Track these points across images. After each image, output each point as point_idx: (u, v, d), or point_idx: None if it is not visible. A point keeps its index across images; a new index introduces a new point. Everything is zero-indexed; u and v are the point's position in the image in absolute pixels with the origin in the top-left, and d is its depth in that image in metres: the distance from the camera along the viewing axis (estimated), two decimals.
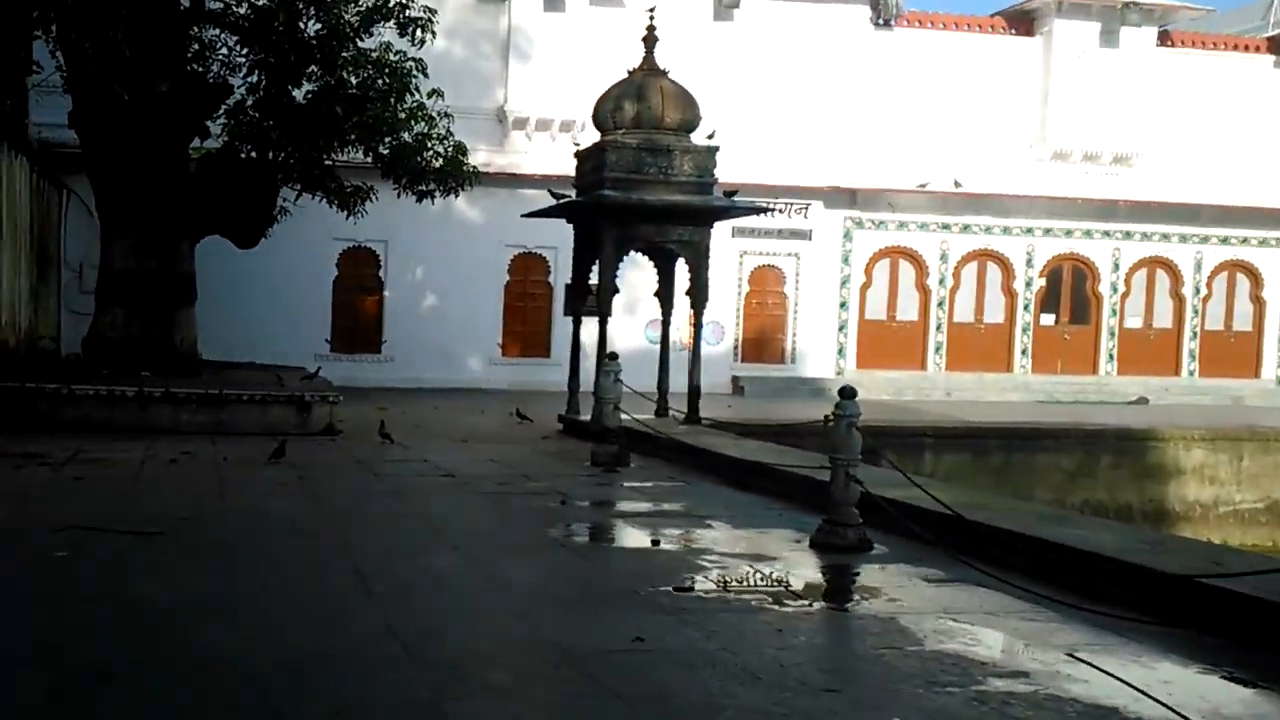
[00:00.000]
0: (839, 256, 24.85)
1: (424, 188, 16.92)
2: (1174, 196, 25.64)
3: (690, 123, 14.65)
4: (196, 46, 15.90)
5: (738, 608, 6.40)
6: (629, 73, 14.78)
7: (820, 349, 24.77)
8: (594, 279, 15.25)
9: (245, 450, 12.16)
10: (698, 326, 14.76)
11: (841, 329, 24.91)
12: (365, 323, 23.07)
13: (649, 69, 14.73)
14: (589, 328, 22.98)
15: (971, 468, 15.27)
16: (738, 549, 7.99)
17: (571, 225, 15.76)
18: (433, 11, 16.20)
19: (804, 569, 7.51)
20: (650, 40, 14.84)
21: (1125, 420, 19.60)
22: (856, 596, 6.89)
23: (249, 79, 15.98)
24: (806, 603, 6.78)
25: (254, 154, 16.32)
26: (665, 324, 15.53)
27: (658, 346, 21.86)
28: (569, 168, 22.19)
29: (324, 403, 14.17)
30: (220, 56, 16.17)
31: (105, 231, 16.01)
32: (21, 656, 5.05)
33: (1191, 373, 26.62)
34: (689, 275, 14.57)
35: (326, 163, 16.73)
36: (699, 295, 14.54)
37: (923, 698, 5.02)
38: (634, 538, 8.50)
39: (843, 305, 24.91)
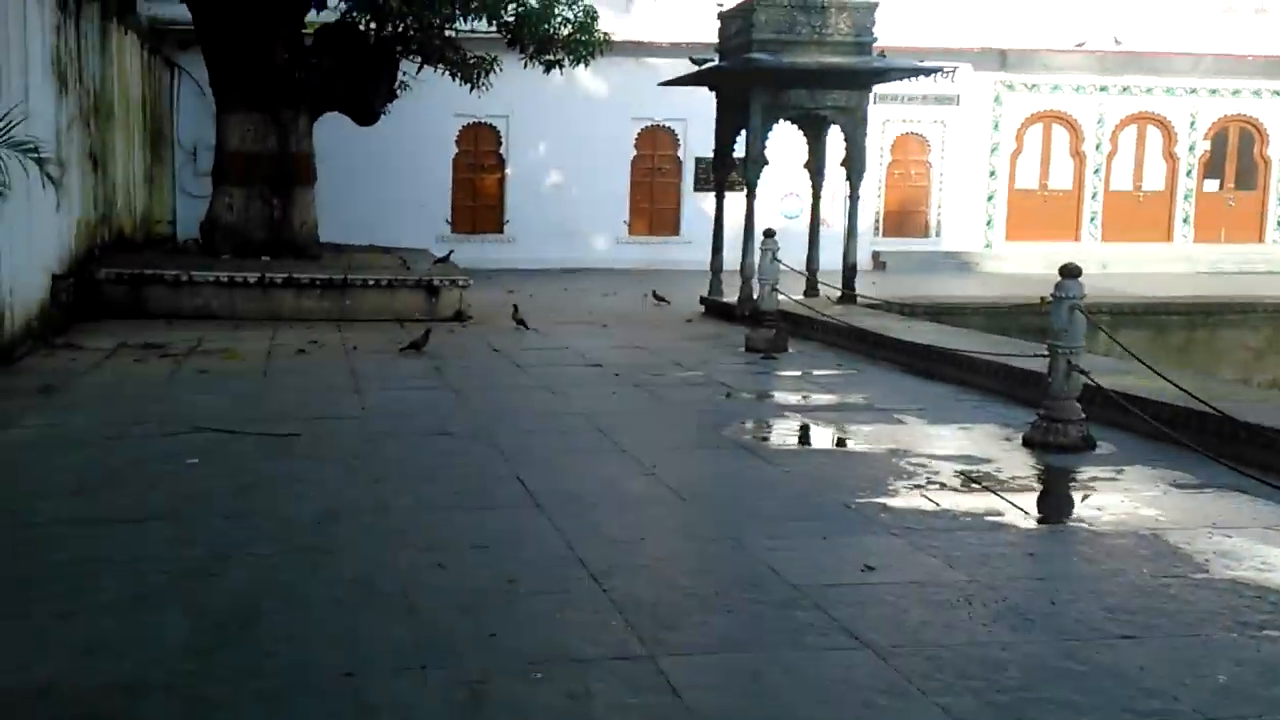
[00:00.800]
0: (988, 123, 23.05)
1: (551, 57, 15.79)
2: None
3: None
4: None
5: (970, 525, 5.41)
6: None
7: (966, 221, 23.18)
8: (737, 150, 14.13)
9: (373, 338, 11.44)
10: (854, 199, 13.54)
11: (990, 199, 23.25)
12: (486, 202, 22.12)
13: None
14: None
15: (1152, 346, 13.84)
16: (942, 449, 6.98)
17: (714, 93, 14.51)
18: None
19: (1028, 474, 6.46)
20: None
21: None
22: (1104, 507, 5.83)
23: None
24: (1047, 516, 5.77)
25: (373, 25, 15.34)
26: (816, 197, 14.37)
27: (794, 221, 20.98)
28: (700, 34, 20.97)
29: (453, 287, 13.36)
30: None
31: (220, 110, 15.26)
32: (156, 591, 4.28)
33: None
34: (844, 144, 13.31)
35: (447, 33, 15.69)
36: (855, 166, 13.30)
37: (1241, 645, 4.03)
38: (820, 437, 7.50)
39: (991, 174, 23.21)
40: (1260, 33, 23.23)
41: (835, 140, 13.69)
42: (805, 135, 14.21)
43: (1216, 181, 24.08)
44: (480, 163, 22.04)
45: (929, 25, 21.42)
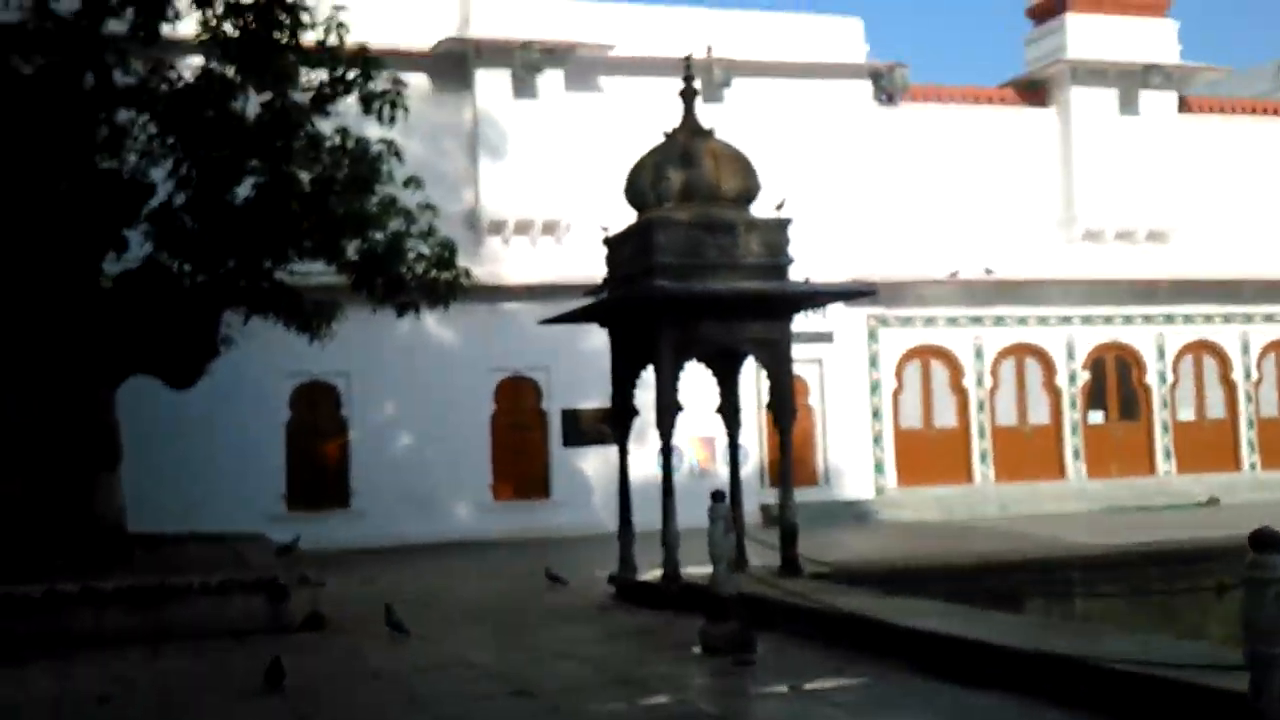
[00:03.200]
0: (865, 360, 21.74)
1: (405, 299, 13.57)
2: (1213, 273, 23.18)
3: (750, 191, 11.60)
4: (106, 132, 12.49)
5: None
6: (668, 135, 11.71)
7: (855, 466, 21.47)
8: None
9: (204, 669, 8.54)
10: (786, 446, 11.44)
11: (876, 441, 21.67)
12: (328, 473, 19.25)
13: (692, 130, 11.69)
14: (590, 459, 19.89)
15: (1132, 606, 11.96)
16: None
17: (608, 330, 12.45)
18: (402, 84, 13.12)
19: None
20: (689, 94, 11.89)
21: (1224, 528, 16.45)
22: None
23: (177, 173, 12.59)
24: None
25: (186, 268, 12.88)
26: (734, 445, 12.26)
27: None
28: (557, 274, 19.28)
29: (304, 585, 10.55)
30: (138, 146, 12.80)
31: None
32: None
33: (1253, 465, 23.73)
34: (769, 383, 11.33)
35: (278, 276, 13.35)
36: (784, 407, 11.29)
37: None
38: None
39: (875, 415, 21.70)
40: (1126, 258, 22.96)
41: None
42: (716, 375, 12.25)
43: (1101, 412, 23.23)
44: (318, 427, 19.36)
45: (798, 260, 20.23)
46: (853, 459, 21.44)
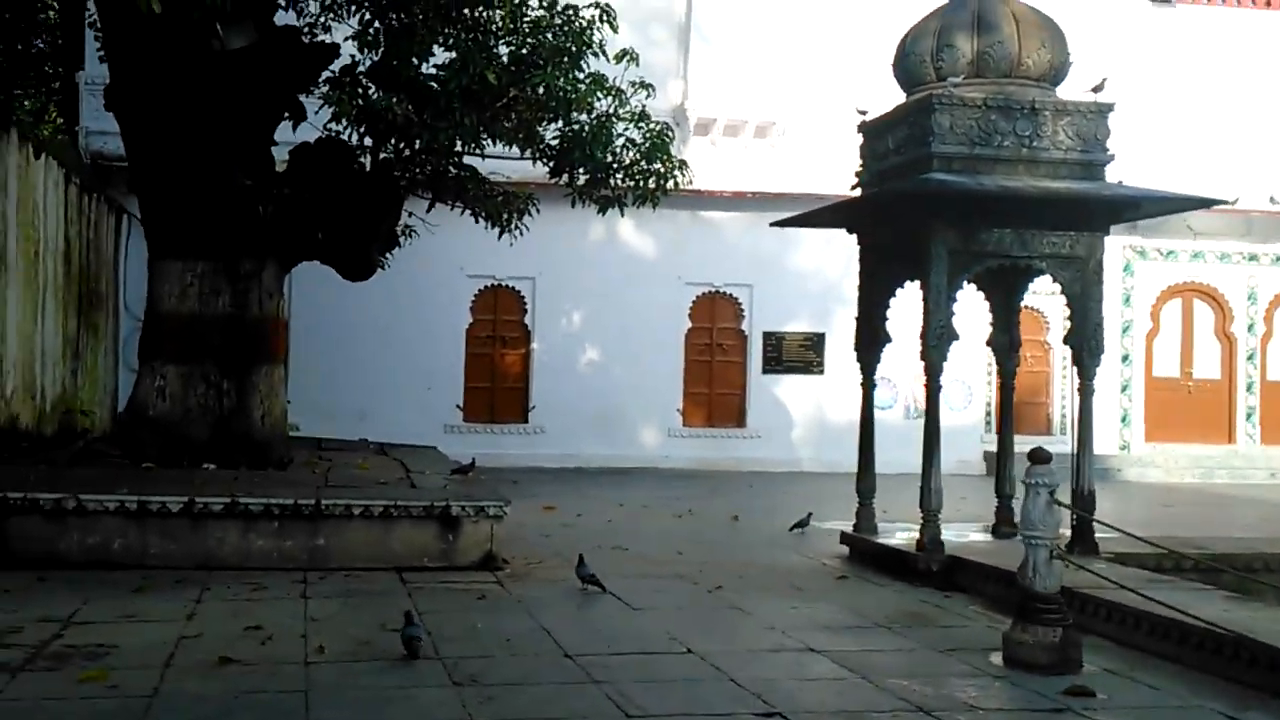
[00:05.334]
0: (1118, 297, 18.97)
1: (608, 192, 11.68)
2: None
3: (1060, 68, 9.24)
4: None
5: None
6: None
7: (1098, 417, 18.69)
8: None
9: (356, 620, 6.86)
10: (1086, 392, 9.14)
11: (1124, 390, 19.01)
12: (508, 384, 17.69)
13: None
14: (792, 389, 17.86)
15: None
16: None
17: (856, 236, 10.21)
18: None
19: None
20: None
21: None
22: None
23: (364, 35, 10.83)
24: None
25: (368, 142, 11.24)
26: (1007, 387, 10.06)
27: (887, 412, 16.54)
28: (769, 182, 17.11)
29: (481, 517, 8.79)
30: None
31: (153, 256, 10.99)
32: None
33: None
34: (1069, 312, 8.98)
35: (469, 159, 11.62)
36: (1089, 343, 8.96)
37: None
38: None
39: (1125, 359, 19.01)
40: None
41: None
42: (989, 297, 9.97)
43: None
44: (500, 335, 17.75)
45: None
46: (1096, 409, 18.69)
